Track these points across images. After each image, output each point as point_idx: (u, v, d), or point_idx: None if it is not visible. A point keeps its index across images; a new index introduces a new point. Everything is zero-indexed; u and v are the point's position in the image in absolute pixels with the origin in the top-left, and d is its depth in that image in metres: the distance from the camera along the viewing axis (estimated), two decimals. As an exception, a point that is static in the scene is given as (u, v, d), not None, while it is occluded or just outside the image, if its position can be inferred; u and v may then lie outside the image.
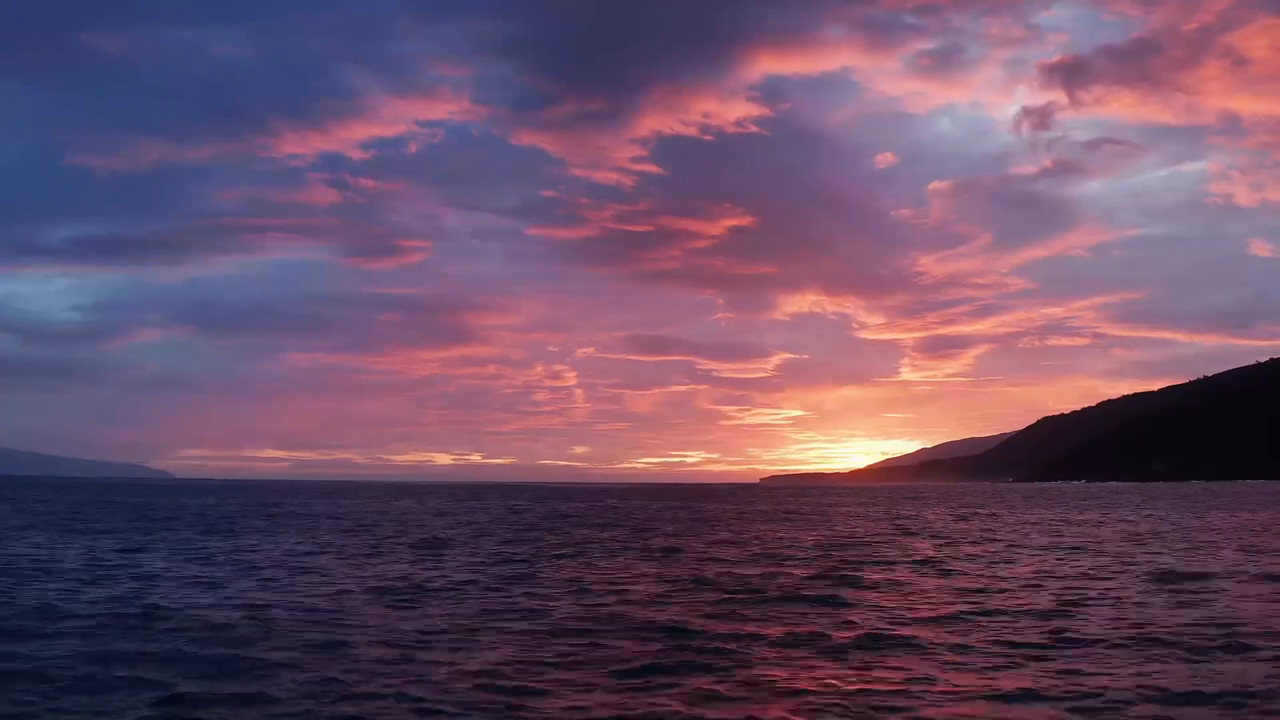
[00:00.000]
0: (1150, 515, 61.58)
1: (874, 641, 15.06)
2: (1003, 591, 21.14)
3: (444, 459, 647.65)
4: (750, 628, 16.44)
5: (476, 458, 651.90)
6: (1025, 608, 18.57)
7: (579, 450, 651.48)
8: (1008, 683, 12.19)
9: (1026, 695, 11.56)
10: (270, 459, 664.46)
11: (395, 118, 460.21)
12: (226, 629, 16.11)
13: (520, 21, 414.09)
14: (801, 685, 12.16)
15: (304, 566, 26.92)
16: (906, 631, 15.92)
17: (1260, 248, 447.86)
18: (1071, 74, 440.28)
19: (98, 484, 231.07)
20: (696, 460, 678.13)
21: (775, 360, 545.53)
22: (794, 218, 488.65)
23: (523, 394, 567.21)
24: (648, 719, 10.73)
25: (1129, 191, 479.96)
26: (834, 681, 12.35)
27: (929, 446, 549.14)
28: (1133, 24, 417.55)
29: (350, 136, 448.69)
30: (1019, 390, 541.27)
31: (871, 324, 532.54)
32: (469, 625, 16.66)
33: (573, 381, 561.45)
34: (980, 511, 71.14)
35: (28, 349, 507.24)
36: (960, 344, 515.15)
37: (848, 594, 20.80)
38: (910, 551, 32.74)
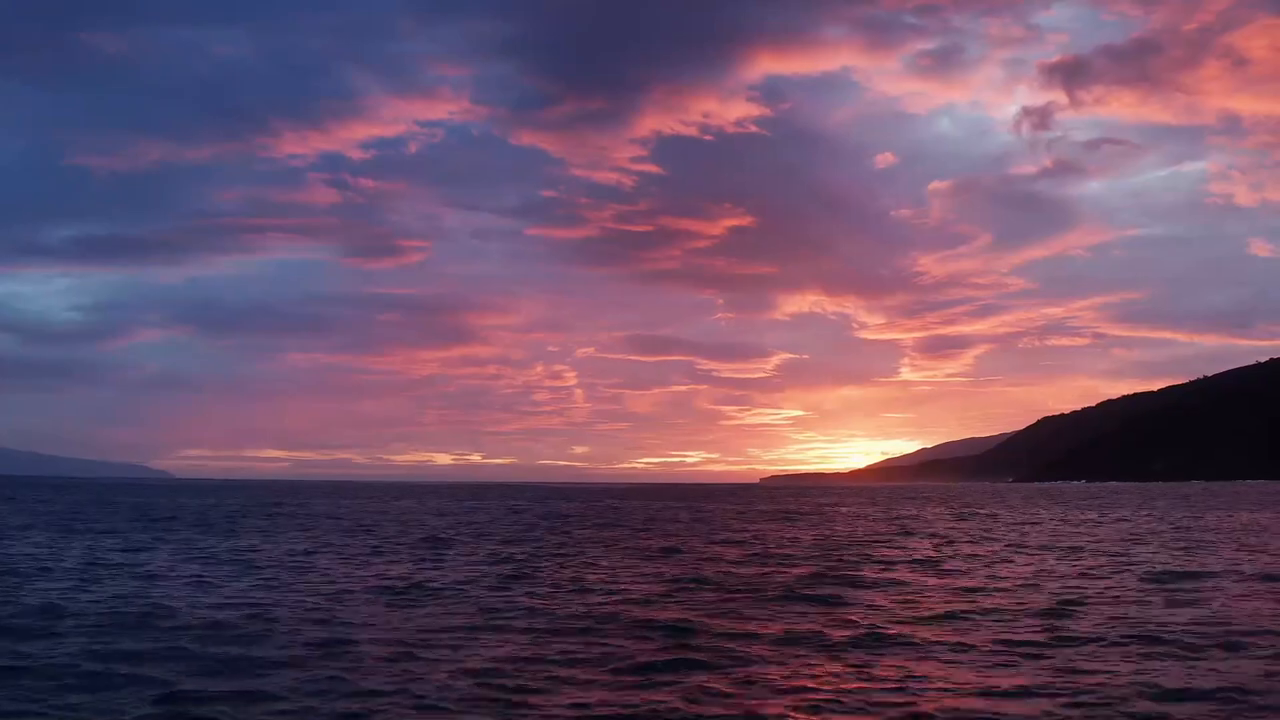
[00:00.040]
0: (1149, 515, 61.66)
1: (873, 640, 15.14)
2: (1001, 591, 21.22)
3: (444, 459, 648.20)
4: (750, 626, 16.52)
5: (476, 458, 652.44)
6: (1023, 607, 18.65)
7: (579, 450, 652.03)
8: (1005, 680, 12.27)
9: (1024, 693, 11.64)
10: (270, 459, 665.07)
11: (395, 118, 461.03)
12: (228, 628, 16.19)
13: (520, 21, 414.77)
14: (800, 683, 12.24)
15: (304, 566, 26.99)
16: (905, 630, 16.00)
17: (1260, 248, 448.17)
18: (1071, 74, 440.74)
19: (98, 484, 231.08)
20: (696, 460, 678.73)
21: (775, 360, 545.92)
22: (794, 218, 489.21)
23: (523, 394, 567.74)
24: (648, 716, 10.80)
25: (1129, 191, 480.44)
26: (833, 679, 12.43)
27: (929, 446, 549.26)
28: (1133, 24, 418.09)
29: (350, 136, 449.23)
30: (1019, 390, 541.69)
31: (871, 324, 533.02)
32: (469, 624, 16.74)
33: (573, 381, 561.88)
34: (979, 511, 71.22)
35: (28, 349, 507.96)
36: (960, 344, 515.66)
37: (847, 593, 20.88)
38: (909, 551, 32.82)
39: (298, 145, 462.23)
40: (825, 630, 15.98)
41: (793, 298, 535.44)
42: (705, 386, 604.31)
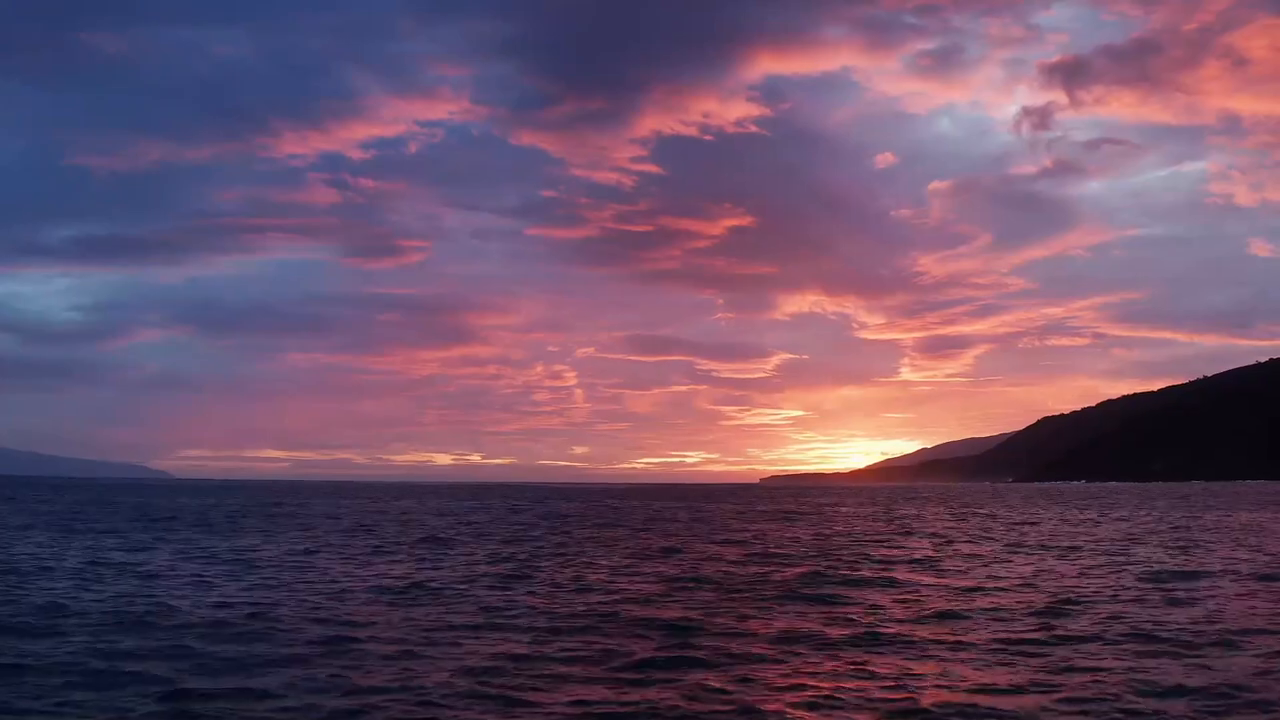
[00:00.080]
0: (1148, 515, 61.75)
1: (871, 639, 15.23)
2: (999, 590, 21.31)
3: (444, 459, 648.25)
4: (749, 625, 16.61)
5: (476, 458, 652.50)
6: (1021, 606, 18.74)
7: (579, 450, 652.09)
8: (1003, 679, 12.36)
9: (1021, 690, 11.73)
10: (270, 459, 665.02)
11: (395, 118, 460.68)
12: (229, 627, 16.28)
13: (520, 21, 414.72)
14: (799, 681, 12.33)
15: (305, 566, 27.07)
16: (904, 629, 16.09)
17: (1260, 248, 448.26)
18: (1071, 74, 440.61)
19: (98, 484, 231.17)
20: (696, 460, 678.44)
21: (775, 360, 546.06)
22: (794, 218, 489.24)
23: (523, 394, 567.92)
24: (648, 714, 10.89)
25: (1129, 191, 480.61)
26: (831, 678, 12.52)
27: (929, 446, 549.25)
28: (1133, 24, 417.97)
29: (350, 136, 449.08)
30: (1019, 390, 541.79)
31: (871, 324, 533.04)
32: (470, 623, 16.83)
33: (573, 381, 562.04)
34: (979, 511, 71.31)
35: (28, 349, 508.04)
36: (960, 344, 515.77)
37: (846, 592, 20.97)
38: (908, 551, 32.91)
39: (298, 145, 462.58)
40: (824, 629, 16.07)
41: (793, 298, 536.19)
42: (705, 386, 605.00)
